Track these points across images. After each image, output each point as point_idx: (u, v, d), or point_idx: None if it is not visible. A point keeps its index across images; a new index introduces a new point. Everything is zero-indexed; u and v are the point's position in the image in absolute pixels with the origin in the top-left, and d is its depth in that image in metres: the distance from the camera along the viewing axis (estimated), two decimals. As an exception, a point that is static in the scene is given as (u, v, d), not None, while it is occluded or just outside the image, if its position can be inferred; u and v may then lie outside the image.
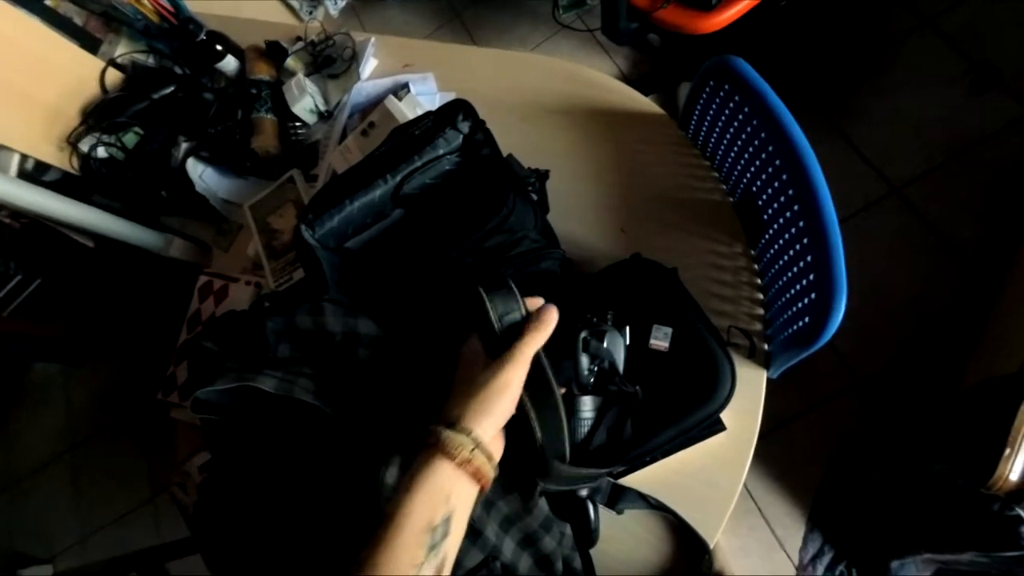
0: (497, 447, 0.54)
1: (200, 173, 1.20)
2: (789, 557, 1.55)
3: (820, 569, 1.51)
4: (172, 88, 1.25)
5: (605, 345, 0.62)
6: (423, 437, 0.51)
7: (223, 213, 1.22)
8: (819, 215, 0.63)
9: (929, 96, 1.67)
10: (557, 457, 0.55)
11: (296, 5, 2.34)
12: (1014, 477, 0.89)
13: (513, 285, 0.57)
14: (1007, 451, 0.89)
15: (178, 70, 1.30)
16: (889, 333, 1.53)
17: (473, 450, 0.49)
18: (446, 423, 0.50)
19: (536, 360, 0.55)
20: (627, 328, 0.67)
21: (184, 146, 1.19)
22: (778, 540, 1.57)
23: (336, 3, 2.44)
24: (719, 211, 0.87)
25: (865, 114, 1.70)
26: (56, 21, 1.27)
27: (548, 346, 0.57)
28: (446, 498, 0.48)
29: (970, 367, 1.26)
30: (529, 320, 0.55)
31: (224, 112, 1.20)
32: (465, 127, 0.78)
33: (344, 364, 0.66)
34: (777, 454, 1.60)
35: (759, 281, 0.82)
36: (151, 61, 1.34)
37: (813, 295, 0.64)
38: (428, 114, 0.82)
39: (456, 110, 0.79)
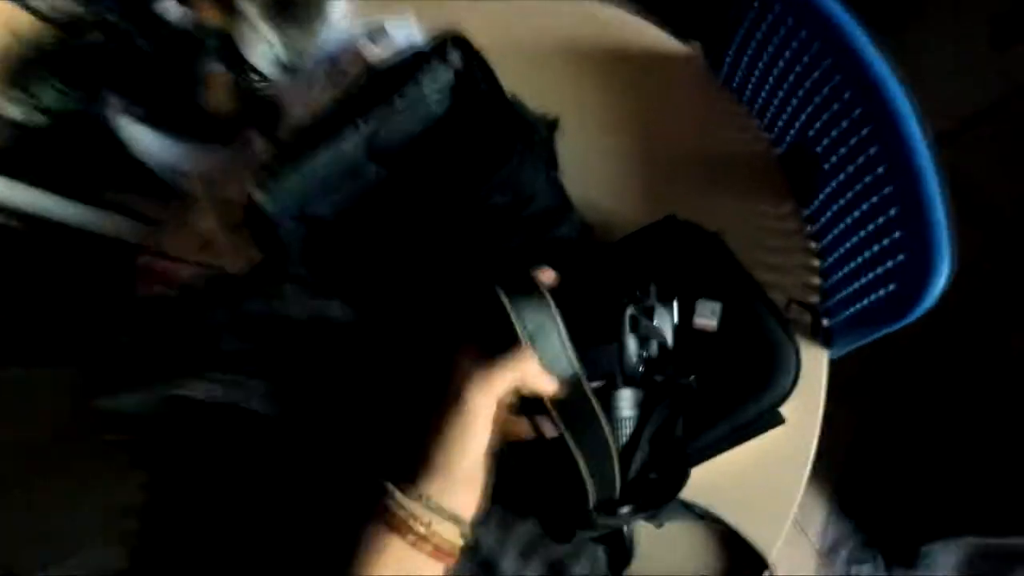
0: (469, 498, 0.42)
1: (139, 137, 1.03)
2: (809, 539, 1.46)
3: (843, 553, 1.43)
4: (100, 36, 1.07)
5: (655, 323, 0.48)
6: (368, 497, 0.39)
7: (170, 184, 1.05)
8: (910, 155, 0.50)
9: (952, 54, 1.55)
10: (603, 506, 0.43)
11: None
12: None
13: (547, 293, 0.43)
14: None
15: (110, 17, 1.12)
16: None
17: (430, 524, 0.38)
18: (396, 480, 0.39)
19: (578, 392, 0.42)
20: (674, 303, 0.53)
21: (118, 104, 1.02)
22: (798, 522, 1.48)
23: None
24: (762, 165, 0.73)
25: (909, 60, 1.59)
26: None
27: (580, 330, 0.44)
28: None
29: (1015, 341, 1.17)
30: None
31: (165, 64, 1.02)
32: (457, 60, 0.63)
33: (309, 359, 0.52)
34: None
35: (814, 245, 0.69)
36: (80, 10, 1.15)
37: (901, 256, 0.52)
38: (411, 50, 0.66)
39: (444, 42, 0.64)
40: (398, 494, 0.38)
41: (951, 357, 1.38)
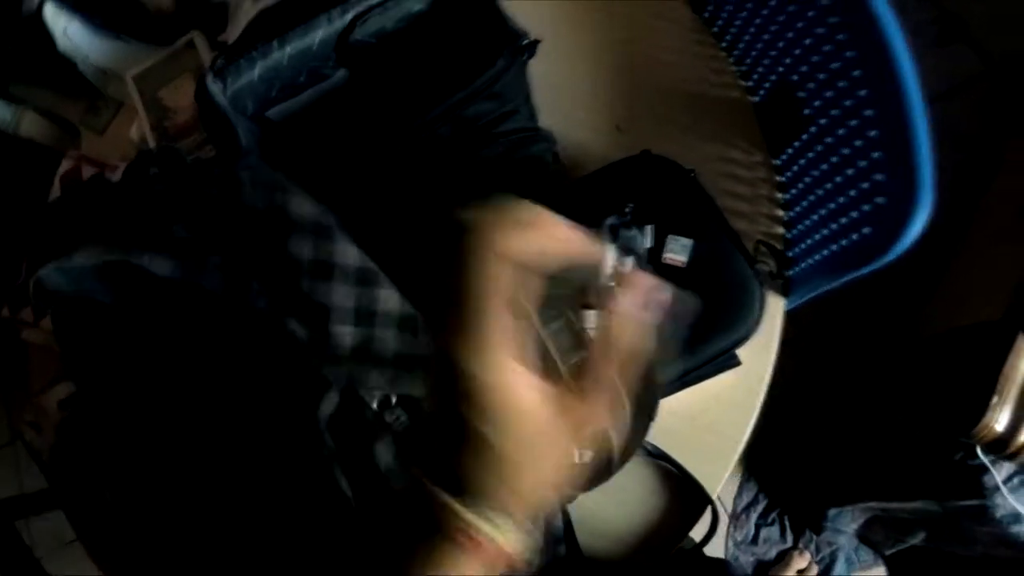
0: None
1: (64, 27, 0.91)
2: (723, 504, 1.53)
3: (753, 516, 1.50)
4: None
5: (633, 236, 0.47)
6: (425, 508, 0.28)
7: (96, 84, 0.95)
8: (903, 98, 0.50)
9: None
10: None
11: None
12: (999, 427, 0.85)
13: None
14: (995, 399, 0.85)
15: None
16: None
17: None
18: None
19: None
20: (649, 228, 0.52)
21: (44, -10, 0.90)
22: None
23: None
24: (737, 111, 0.73)
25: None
26: None
27: None
28: None
29: (928, 315, 1.24)
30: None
31: (99, -53, 0.91)
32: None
33: (270, 258, 0.47)
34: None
35: (781, 195, 0.69)
36: None
37: (881, 199, 0.52)
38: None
39: (430, -66, 0.59)
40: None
41: (858, 331, 1.46)
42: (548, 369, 0.29)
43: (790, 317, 0.68)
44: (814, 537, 1.45)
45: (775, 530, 1.47)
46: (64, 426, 0.75)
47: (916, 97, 0.50)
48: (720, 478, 0.65)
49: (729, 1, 0.71)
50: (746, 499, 1.52)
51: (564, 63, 0.77)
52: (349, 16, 0.57)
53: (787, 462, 1.49)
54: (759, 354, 0.65)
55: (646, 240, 0.52)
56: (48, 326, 0.82)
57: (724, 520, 1.50)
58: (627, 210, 0.51)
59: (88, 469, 0.58)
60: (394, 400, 0.51)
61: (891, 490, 1.14)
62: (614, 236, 0.47)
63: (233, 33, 0.89)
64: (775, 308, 0.66)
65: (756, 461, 1.53)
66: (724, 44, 0.75)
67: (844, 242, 0.57)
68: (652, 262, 0.58)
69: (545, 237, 0.29)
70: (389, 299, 0.50)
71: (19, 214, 0.94)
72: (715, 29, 0.76)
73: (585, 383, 0.29)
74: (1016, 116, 1.46)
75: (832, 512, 1.34)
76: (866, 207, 0.54)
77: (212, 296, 0.43)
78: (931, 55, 1.60)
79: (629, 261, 0.47)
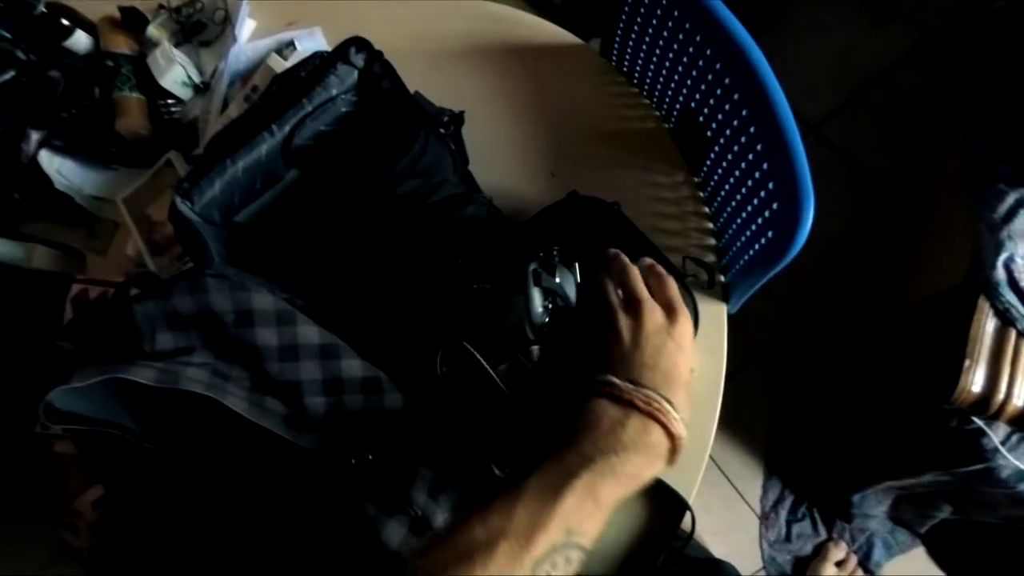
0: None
1: (57, 167, 1.02)
2: (751, 507, 1.53)
3: (783, 514, 1.50)
4: (12, 73, 1.05)
5: (557, 280, 0.53)
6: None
7: (92, 211, 1.04)
8: (774, 113, 0.56)
9: (833, 33, 1.68)
10: None
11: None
12: (976, 388, 0.87)
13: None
14: (967, 363, 0.87)
15: (20, 55, 1.11)
16: (821, 270, 1.53)
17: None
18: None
19: None
20: (576, 265, 0.58)
21: (35, 137, 1.01)
22: (738, 492, 1.55)
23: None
24: (654, 139, 0.79)
25: (773, 58, 1.70)
26: None
27: (496, 283, 0.49)
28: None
29: (906, 290, 1.27)
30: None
31: (77, 92, 1.02)
32: (359, 60, 0.67)
33: (243, 351, 0.54)
34: (725, 407, 1.58)
35: (707, 209, 0.75)
36: (-14, 47, 1.13)
37: (775, 205, 0.58)
38: (315, 55, 0.70)
39: (347, 45, 0.67)
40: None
41: (848, 317, 1.48)
42: None
43: (784, 311, 0.72)
44: (846, 526, 1.44)
45: (806, 524, 1.47)
46: (99, 525, 0.82)
47: (785, 111, 0.56)
48: (694, 481, 0.68)
49: (630, 43, 0.78)
50: (772, 497, 1.52)
51: (496, 123, 0.85)
52: (287, 127, 0.65)
53: (805, 454, 1.50)
54: (709, 357, 0.70)
55: (575, 276, 0.58)
56: (75, 437, 0.90)
57: (754, 522, 1.50)
58: (554, 252, 0.57)
59: (123, 562, 0.65)
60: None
61: (901, 466, 1.15)
62: (537, 280, 0.53)
63: (204, 146, 0.99)
64: (716, 314, 0.71)
65: (775, 458, 1.53)
66: (634, 82, 0.82)
67: (757, 246, 0.62)
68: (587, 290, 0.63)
69: None
70: (351, 367, 0.56)
71: (39, 339, 1.03)
72: (625, 68, 0.83)
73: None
74: (962, 83, 1.50)
75: (856, 497, 1.34)
76: (767, 213, 0.59)
77: (194, 394, 0.50)
78: (870, 35, 1.66)
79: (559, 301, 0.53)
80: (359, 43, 0.67)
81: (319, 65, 0.67)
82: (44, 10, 1.04)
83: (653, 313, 0.48)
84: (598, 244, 0.66)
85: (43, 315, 1.04)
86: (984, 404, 0.88)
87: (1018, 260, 0.91)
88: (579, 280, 0.59)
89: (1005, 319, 0.90)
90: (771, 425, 1.54)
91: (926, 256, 1.23)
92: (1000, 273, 0.90)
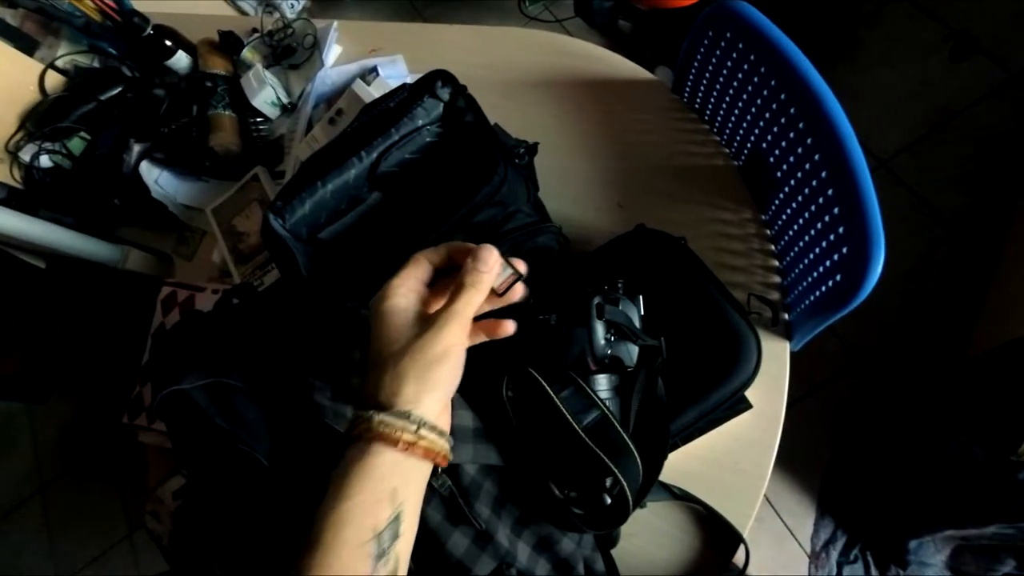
0: (445, 421, 0.45)
1: (156, 178, 1.10)
2: (801, 546, 1.49)
3: (834, 554, 1.46)
4: (120, 88, 1.15)
5: (621, 311, 0.55)
6: (349, 429, 0.42)
7: (183, 219, 1.12)
8: (846, 159, 0.57)
9: (909, 67, 1.65)
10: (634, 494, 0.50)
11: (250, 10, 2.24)
12: (1047, 441, 0.84)
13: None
14: (1038, 414, 0.85)
15: (126, 71, 1.21)
16: (888, 309, 1.49)
17: (418, 430, 0.40)
18: (377, 406, 0.41)
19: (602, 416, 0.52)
20: (640, 297, 0.60)
21: (136, 149, 1.10)
22: (789, 529, 1.51)
23: (293, 6, 2.35)
24: (723, 176, 0.81)
25: (846, 91, 1.68)
26: (-14, 22, 1.17)
27: (561, 315, 0.52)
28: (391, 494, 0.39)
29: (975, 336, 1.23)
30: (464, 269, 0.44)
31: (177, 109, 1.11)
32: (445, 94, 0.71)
33: (331, 357, 0.58)
34: (780, 440, 1.55)
35: (773, 247, 0.76)
36: (96, 63, 1.24)
37: (845, 249, 0.58)
38: (403, 86, 0.74)
39: (434, 78, 0.72)
40: (382, 412, 0.40)
41: (922, 358, 1.43)
42: None
43: (846, 347, 0.72)
44: (901, 573, 1.39)
45: (859, 567, 1.42)
46: (179, 513, 0.88)
47: (858, 159, 0.57)
48: (749, 515, 0.69)
49: (701, 82, 0.80)
50: (824, 536, 1.48)
51: (566, 153, 0.88)
52: (375, 154, 0.69)
53: (861, 494, 1.45)
54: (769, 395, 0.70)
55: (639, 309, 0.60)
56: (160, 428, 0.97)
57: (804, 561, 1.47)
58: (619, 285, 0.59)
59: (201, 548, 0.69)
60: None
61: (963, 515, 1.11)
62: (600, 313, 0.55)
63: (288, 165, 1.06)
64: (779, 351, 0.72)
65: (830, 495, 1.50)
66: (705, 118, 0.84)
67: (824, 288, 0.63)
68: (652, 324, 0.65)
69: None
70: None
71: (129, 335, 1.12)
72: (696, 105, 0.85)
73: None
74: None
75: (913, 543, 1.29)
76: (835, 256, 0.60)
77: (281, 395, 0.54)
78: (948, 70, 1.62)
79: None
80: (444, 77, 0.71)
81: (407, 97, 0.71)
82: (151, 32, 1.13)
83: None
84: (664, 278, 0.68)
85: (134, 314, 1.13)
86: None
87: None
88: (643, 313, 0.61)
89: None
90: (827, 462, 1.50)
91: (999, 301, 1.19)
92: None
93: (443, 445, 0.42)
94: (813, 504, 1.51)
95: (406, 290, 0.44)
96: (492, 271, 0.44)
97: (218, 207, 1.08)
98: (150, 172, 1.09)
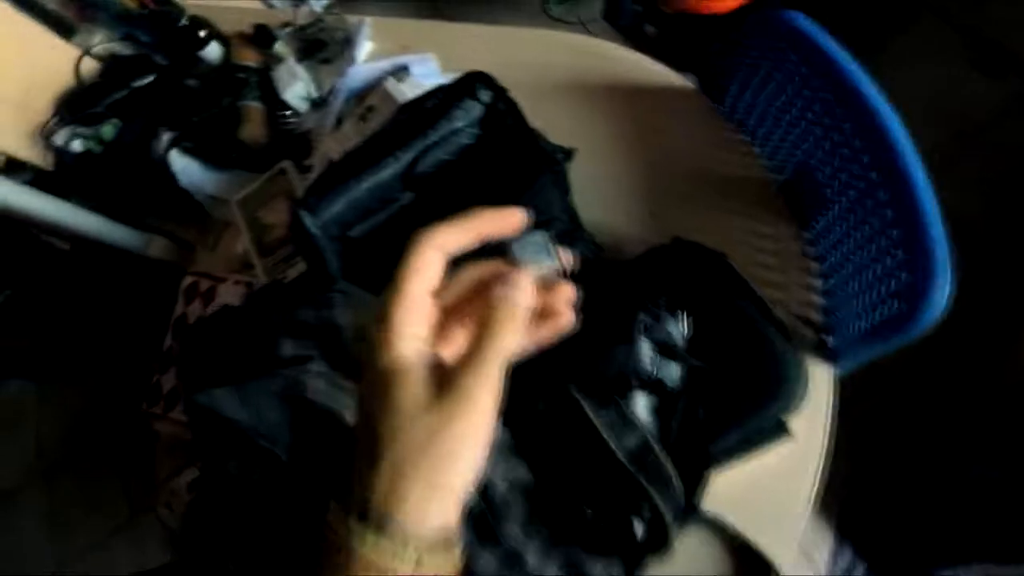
0: (457, 518, 0.30)
1: (183, 166, 1.10)
2: (819, 569, 1.46)
3: (853, 582, 1.42)
4: (152, 77, 1.15)
5: (666, 330, 0.53)
6: (326, 528, 0.30)
7: (208, 209, 1.12)
8: (908, 182, 0.55)
9: (935, 74, 1.60)
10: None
11: (277, 3, 2.24)
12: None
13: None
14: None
15: (159, 60, 1.21)
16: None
17: (419, 560, 0.28)
18: (366, 513, 0.28)
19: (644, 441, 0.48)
20: (683, 314, 0.58)
21: (166, 137, 1.09)
22: (805, 554, 1.48)
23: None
24: (761, 190, 0.78)
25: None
26: (27, 5, 1.17)
27: (599, 333, 0.49)
28: None
29: (1009, 363, 1.19)
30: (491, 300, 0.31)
31: (208, 100, 1.10)
32: (486, 96, 0.69)
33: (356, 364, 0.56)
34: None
35: (815, 266, 0.73)
36: (130, 52, 1.24)
37: (903, 275, 0.56)
38: (441, 87, 0.72)
39: (473, 80, 0.70)
40: (366, 526, 0.28)
41: (946, 381, 1.39)
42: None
43: (872, 372, 0.69)
44: (923, 603, 1.35)
45: (878, 596, 1.38)
46: (193, 505, 0.87)
47: (920, 181, 0.54)
48: (787, 547, 0.66)
49: (744, 91, 0.77)
50: (842, 565, 1.44)
51: (601, 162, 0.85)
52: (413, 154, 0.68)
53: (884, 520, 1.41)
54: (810, 422, 0.67)
55: (683, 328, 0.57)
56: (177, 417, 0.96)
57: (818, 588, 1.43)
58: (660, 302, 0.57)
59: (214, 542, 0.68)
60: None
61: (1001, 550, 1.07)
62: (645, 330, 0.53)
63: (316, 159, 1.05)
64: (822, 377, 0.69)
65: (849, 521, 1.46)
66: (748, 129, 0.81)
67: (879, 314, 0.60)
68: (694, 340, 0.63)
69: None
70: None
71: (150, 321, 1.11)
72: (736, 116, 0.82)
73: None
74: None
75: (947, 572, 1.25)
76: (893, 282, 0.57)
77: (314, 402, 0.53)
78: (976, 79, 1.58)
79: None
80: (485, 79, 0.69)
81: (444, 98, 0.70)
82: (186, 22, 1.13)
83: None
84: (707, 296, 0.65)
85: (156, 302, 1.12)
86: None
87: None
88: (686, 332, 0.59)
89: None
90: (847, 485, 1.46)
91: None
92: None
93: (450, 570, 0.30)
94: (831, 530, 1.47)
95: (414, 329, 0.31)
96: (530, 295, 0.32)
97: (243, 198, 1.07)
98: (179, 161, 1.09)
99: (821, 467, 0.68)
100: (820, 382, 0.68)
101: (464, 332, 0.34)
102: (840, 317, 0.68)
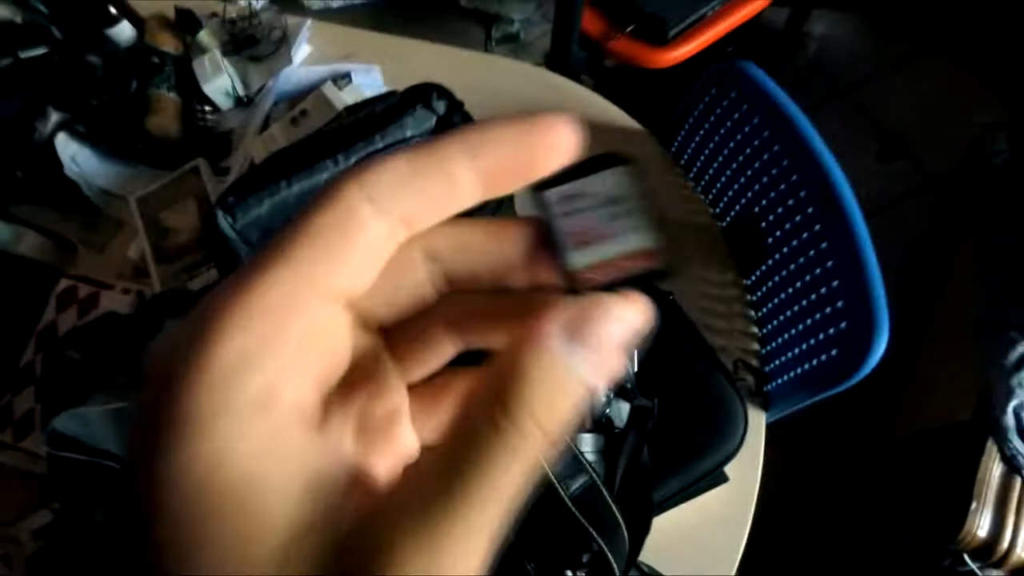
0: None
1: (73, 154, 0.96)
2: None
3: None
4: (44, 49, 1.01)
5: None
6: None
7: (98, 204, 0.98)
8: (852, 231, 0.56)
9: (842, 162, 1.76)
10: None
11: None
12: (982, 533, 0.86)
13: None
14: (974, 504, 0.86)
15: (55, 32, 1.07)
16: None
17: None
18: None
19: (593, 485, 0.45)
20: (633, 353, 0.55)
21: (54, 118, 0.96)
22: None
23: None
24: (706, 236, 0.79)
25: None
26: None
27: None
28: None
29: (900, 418, 1.27)
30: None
31: (113, 82, 0.98)
32: (441, 107, 0.65)
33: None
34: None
35: (753, 313, 0.74)
36: (19, 19, 1.09)
37: (843, 324, 0.57)
38: (393, 92, 0.68)
39: (429, 89, 0.66)
40: None
41: (853, 436, 1.47)
42: None
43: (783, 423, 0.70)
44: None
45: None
46: (38, 559, 0.72)
47: (863, 233, 0.56)
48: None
49: (691, 138, 0.79)
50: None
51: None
52: (353, 159, 0.62)
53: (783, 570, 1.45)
54: (745, 468, 0.67)
55: (633, 366, 0.55)
56: (29, 447, 0.80)
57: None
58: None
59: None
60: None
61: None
62: None
63: (235, 161, 0.95)
64: (757, 423, 0.69)
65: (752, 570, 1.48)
66: (690, 176, 0.83)
67: (815, 361, 0.61)
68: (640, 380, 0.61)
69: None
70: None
71: (7, 331, 0.94)
72: (682, 162, 0.83)
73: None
74: (958, 223, 1.58)
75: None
76: (831, 330, 0.58)
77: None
78: (875, 170, 1.75)
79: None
80: (440, 90, 0.66)
81: (396, 104, 0.65)
82: (97, -6, 1.01)
83: None
84: (653, 335, 0.64)
85: (18, 308, 0.96)
86: (988, 550, 0.87)
87: (1027, 409, 0.92)
88: (635, 370, 0.56)
89: (1011, 465, 0.90)
90: (746, 545, 1.49)
91: (923, 387, 1.24)
92: (1010, 419, 0.91)
93: None
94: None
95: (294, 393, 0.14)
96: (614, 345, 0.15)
97: (145, 196, 0.95)
98: (67, 146, 0.95)
99: (751, 516, 0.68)
100: (755, 429, 0.68)
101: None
102: (776, 364, 0.69)
